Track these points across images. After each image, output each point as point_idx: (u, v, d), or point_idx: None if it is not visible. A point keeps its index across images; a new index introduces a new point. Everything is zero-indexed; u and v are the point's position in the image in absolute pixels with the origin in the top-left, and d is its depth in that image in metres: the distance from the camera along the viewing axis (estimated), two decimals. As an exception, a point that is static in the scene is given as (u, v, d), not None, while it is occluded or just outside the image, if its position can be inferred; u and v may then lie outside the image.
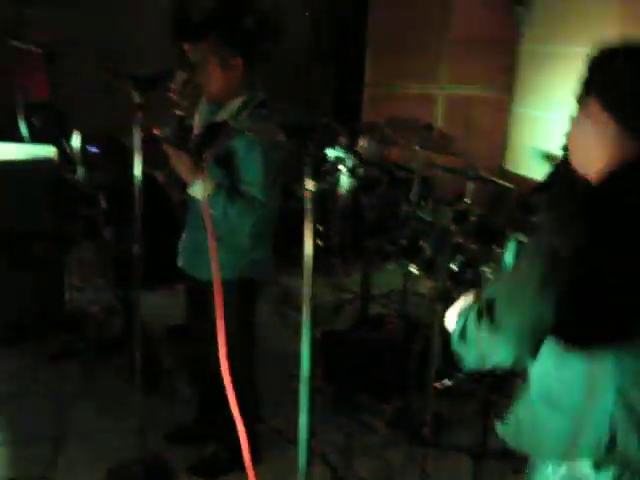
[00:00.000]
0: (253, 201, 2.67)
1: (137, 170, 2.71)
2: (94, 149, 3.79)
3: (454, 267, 3.45)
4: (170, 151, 2.73)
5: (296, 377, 3.65)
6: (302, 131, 1.31)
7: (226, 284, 2.88)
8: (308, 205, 1.34)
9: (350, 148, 1.36)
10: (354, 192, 4.48)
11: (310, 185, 1.33)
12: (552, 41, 6.28)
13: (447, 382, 3.59)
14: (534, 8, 6.55)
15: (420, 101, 6.40)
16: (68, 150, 3.68)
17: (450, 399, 3.64)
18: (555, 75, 6.25)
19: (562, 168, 4.45)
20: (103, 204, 3.57)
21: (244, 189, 2.68)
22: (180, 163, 2.71)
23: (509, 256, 2.72)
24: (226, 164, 2.73)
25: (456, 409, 3.64)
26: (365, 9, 6.23)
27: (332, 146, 1.34)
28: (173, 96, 2.69)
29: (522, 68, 6.78)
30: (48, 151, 4.05)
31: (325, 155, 1.21)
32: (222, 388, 3.18)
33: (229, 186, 2.69)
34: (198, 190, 2.67)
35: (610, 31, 5.50)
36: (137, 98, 2.61)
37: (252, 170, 2.68)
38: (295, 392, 3.92)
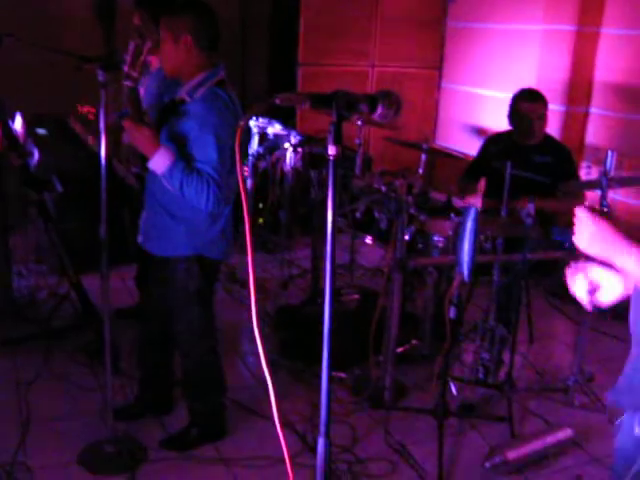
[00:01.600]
0: (208, 178, 2.68)
1: (103, 150, 2.68)
2: (42, 131, 3.70)
3: (406, 237, 3.57)
4: (128, 124, 2.71)
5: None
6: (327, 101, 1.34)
7: (182, 261, 2.92)
8: (330, 170, 1.34)
9: (370, 115, 1.37)
10: (300, 168, 4.55)
11: (332, 150, 1.34)
12: (476, 18, 6.46)
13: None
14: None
15: (353, 78, 6.49)
16: (13, 133, 3.58)
17: (407, 365, 3.79)
18: (479, 51, 6.45)
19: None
20: (58, 187, 3.51)
21: (199, 167, 2.70)
22: (140, 136, 2.69)
23: (470, 224, 2.86)
24: (179, 141, 2.75)
25: (413, 374, 3.79)
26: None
27: (354, 111, 1.33)
28: (125, 68, 2.68)
29: (449, 45, 6.96)
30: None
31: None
32: (170, 364, 3.25)
33: (185, 161, 2.70)
34: (158, 163, 2.67)
35: (533, 9, 5.71)
36: (102, 77, 2.60)
37: (205, 149, 2.69)
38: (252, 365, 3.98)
